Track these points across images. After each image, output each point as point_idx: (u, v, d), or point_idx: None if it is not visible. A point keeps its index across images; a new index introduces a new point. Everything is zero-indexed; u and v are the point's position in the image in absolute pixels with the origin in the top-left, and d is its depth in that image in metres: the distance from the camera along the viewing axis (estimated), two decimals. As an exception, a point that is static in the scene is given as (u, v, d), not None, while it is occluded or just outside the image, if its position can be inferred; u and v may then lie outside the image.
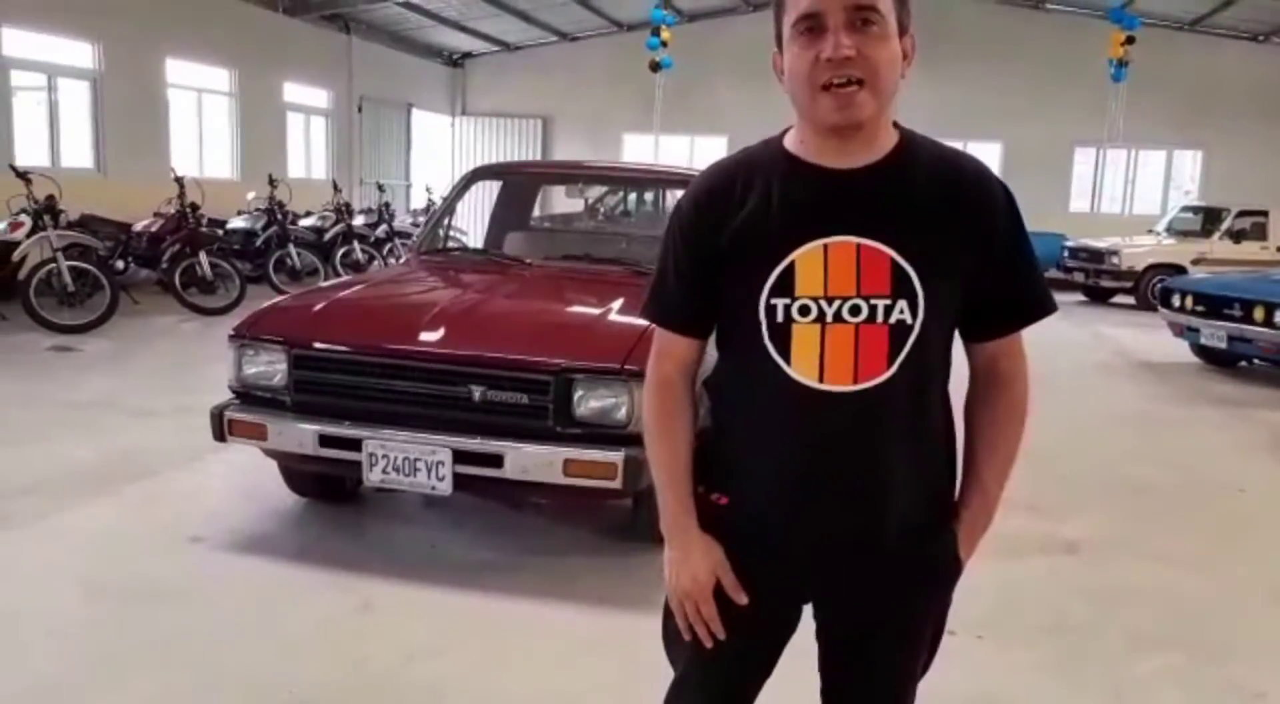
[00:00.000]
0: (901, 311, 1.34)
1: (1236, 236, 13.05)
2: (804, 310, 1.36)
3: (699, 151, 18.91)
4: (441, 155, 19.81)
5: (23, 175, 8.15)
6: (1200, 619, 3.42)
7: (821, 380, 1.36)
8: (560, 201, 10.82)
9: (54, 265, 8.08)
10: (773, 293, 1.36)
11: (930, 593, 1.51)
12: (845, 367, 1.35)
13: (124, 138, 11.34)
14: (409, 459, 3.36)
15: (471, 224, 9.50)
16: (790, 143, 1.44)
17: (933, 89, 17.47)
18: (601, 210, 10.51)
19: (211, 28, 12.61)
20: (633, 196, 8.11)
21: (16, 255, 8.19)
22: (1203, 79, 16.55)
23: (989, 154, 17.82)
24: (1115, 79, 14.55)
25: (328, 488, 4.13)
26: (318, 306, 3.85)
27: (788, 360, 1.37)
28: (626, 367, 3.33)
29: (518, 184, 5.95)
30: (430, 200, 15.56)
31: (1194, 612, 3.49)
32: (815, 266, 1.35)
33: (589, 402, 3.36)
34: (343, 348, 3.57)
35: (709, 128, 18.66)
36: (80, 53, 10.97)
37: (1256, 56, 16.84)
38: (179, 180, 9.64)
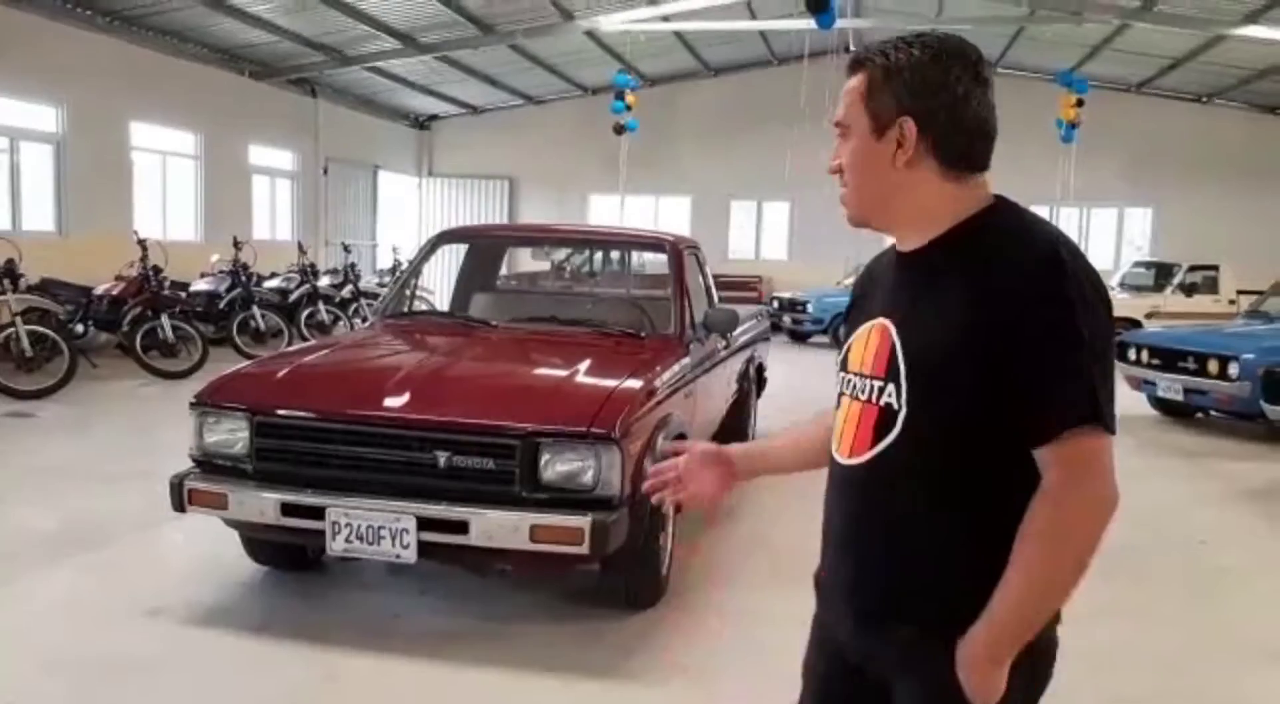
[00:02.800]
0: (889, 395, 1.35)
1: (1188, 290, 13.38)
2: (847, 384, 1.45)
3: (664, 211, 19.16)
4: (408, 216, 19.88)
5: (-19, 239, 8.08)
6: (1174, 676, 3.43)
7: (836, 450, 1.46)
8: (526, 261, 10.88)
9: (12, 330, 7.97)
10: (840, 367, 1.49)
11: (910, 691, 1.39)
12: (847, 439, 1.42)
13: (86, 200, 11.28)
14: (373, 527, 3.32)
15: (438, 284, 9.49)
16: None
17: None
18: (567, 269, 10.59)
19: (177, 92, 12.66)
20: (599, 256, 8.20)
21: (-28, 321, 8.07)
22: (1150, 139, 17.08)
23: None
24: (1065, 140, 14.97)
25: (290, 557, 4.05)
26: (281, 372, 3.82)
27: (833, 428, 1.49)
28: (593, 429, 3.33)
29: (484, 247, 5.99)
30: (397, 261, 15.55)
31: (1168, 668, 3.50)
32: (859, 345, 1.43)
33: (556, 465, 3.35)
34: (306, 414, 3.54)
35: (673, 188, 18.96)
36: (44, 116, 10.95)
37: (1201, 117, 17.42)
38: (142, 243, 9.59)
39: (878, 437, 1.36)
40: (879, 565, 1.40)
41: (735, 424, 6.18)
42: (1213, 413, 8.36)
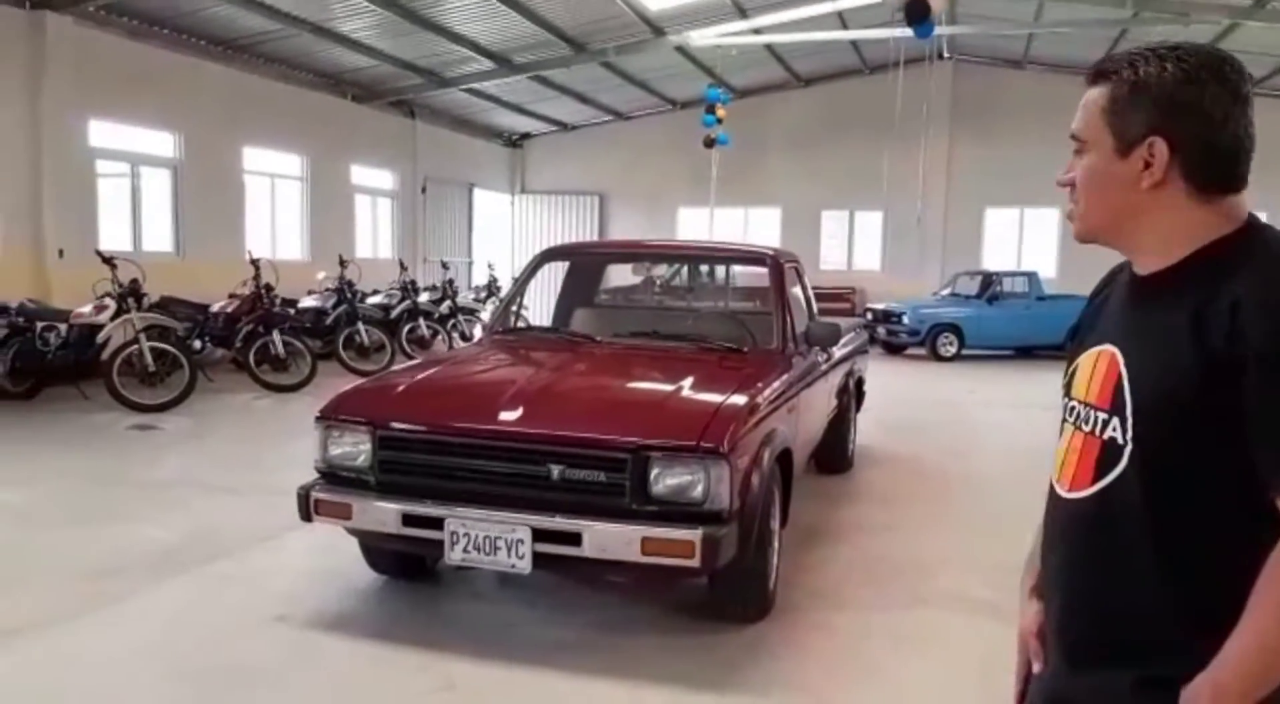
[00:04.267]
0: (1114, 429, 1.27)
1: None
2: (1071, 410, 1.38)
3: (753, 223, 19.12)
4: (501, 232, 20.27)
5: (108, 260, 8.53)
6: None
7: (1057, 480, 1.38)
8: (617, 276, 10.97)
9: (136, 347, 8.40)
10: (1064, 392, 1.42)
11: None
12: (1069, 472, 1.35)
13: (201, 222, 11.83)
14: (489, 538, 3.41)
15: (534, 302, 9.67)
16: None
17: (988, 157, 17.58)
18: (657, 284, 10.65)
19: (284, 116, 13.20)
20: (698, 270, 8.26)
21: (101, 337, 8.52)
22: (1266, 139, 16.31)
23: (1048, 220, 17.76)
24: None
25: (407, 566, 4.19)
26: (400, 388, 3.96)
27: (1054, 456, 1.42)
28: (702, 444, 3.37)
29: (585, 263, 6.09)
30: (492, 277, 15.88)
31: None
32: (1085, 371, 1.36)
33: (666, 479, 3.39)
34: (425, 428, 3.66)
35: (762, 200, 18.91)
36: (162, 142, 11.53)
37: None
38: (255, 262, 10.02)
39: (1100, 472, 1.28)
40: (1092, 606, 1.31)
41: (835, 438, 6.15)
42: None
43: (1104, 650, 1.30)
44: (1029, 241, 18.24)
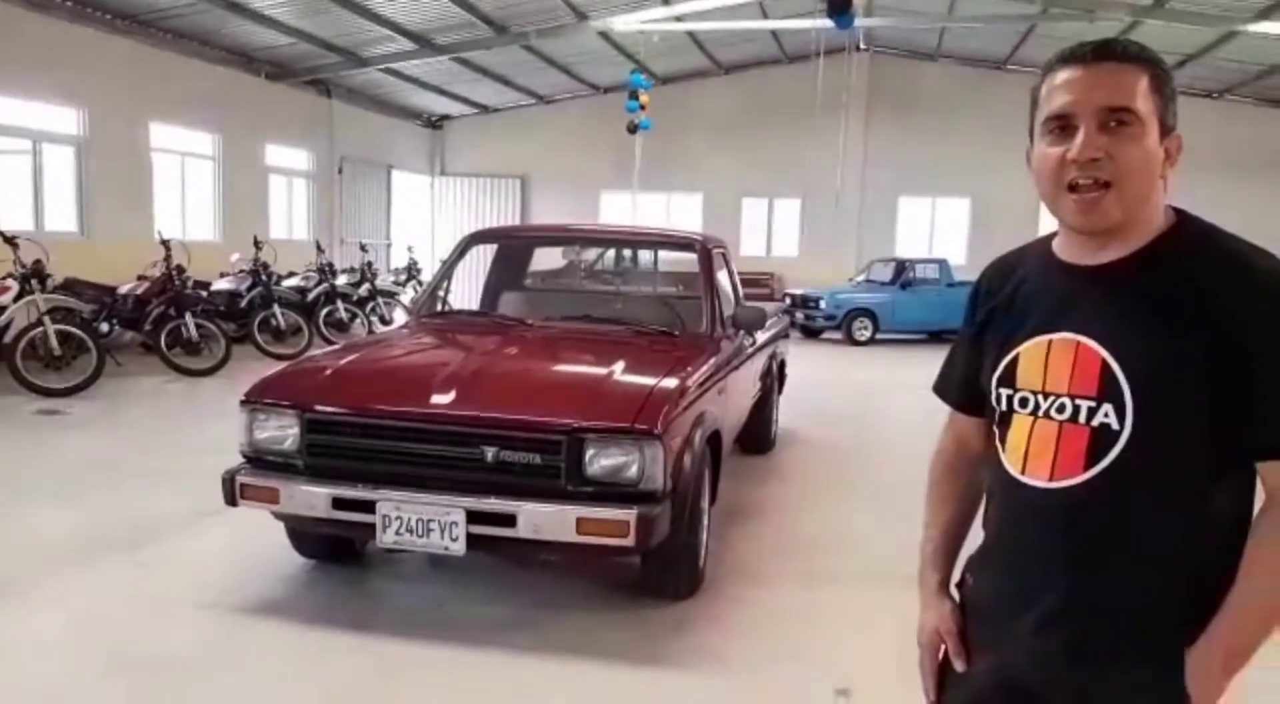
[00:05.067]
0: (1106, 415, 1.28)
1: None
2: (1023, 402, 1.37)
3: (675, 208, 19.24)
4: (421, 215, 19.98)
5: (10, 240, 8.18)
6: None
7: (1023, 472, 1.37)
8: (544, 260, 10.93)
9: (41, 329, 8.08)
10: (1000, 382, 1.41)
11: None
12: (1044, 462, 1.34)
13: (108, 201, 11.39)
14: (422, 520, 3.41)
15: (459, 285, 9.57)
16: (1056, 239, 1.44)
17: (902, 148, 18.02)
18: (583, 268, 10.65)
19: (195, 93, 12.77)
20: (625, 255, 8.28)
21: (2, 320, 8.17)
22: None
23: (958, 209, 18.29)
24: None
25: (334, 550, 4.15)
26: (329, 371, 3.91)
27: (1004, 448, 1.40)
28: (637, 425, 3.43)
29: (514, 246, 6.08)
30: (412, 259, 15.66)
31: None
32: (1037, 361, 1.36)
33: (600, 460, 3.43)
34: (356, 411, 3.63)
35: (685, 185, 19.05)
36: (65, 118, 11.06)
37: (1213, 112, 17.43)
38: (165, 243, 9.70)
39: (1092, 458, 1.29)
40: (1108, 591, 1.32)
41: (759, 420, 6.27)
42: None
43: (1120, 637, 1.32)
44: (939, 229, 18.77)
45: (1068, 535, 1.33)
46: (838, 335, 15.02)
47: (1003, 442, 1.41)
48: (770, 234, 19.66)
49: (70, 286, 9.31)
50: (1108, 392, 1.29)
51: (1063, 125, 1.31)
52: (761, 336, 5.85)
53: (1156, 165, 1.30)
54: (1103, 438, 1.29)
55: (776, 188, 18.87)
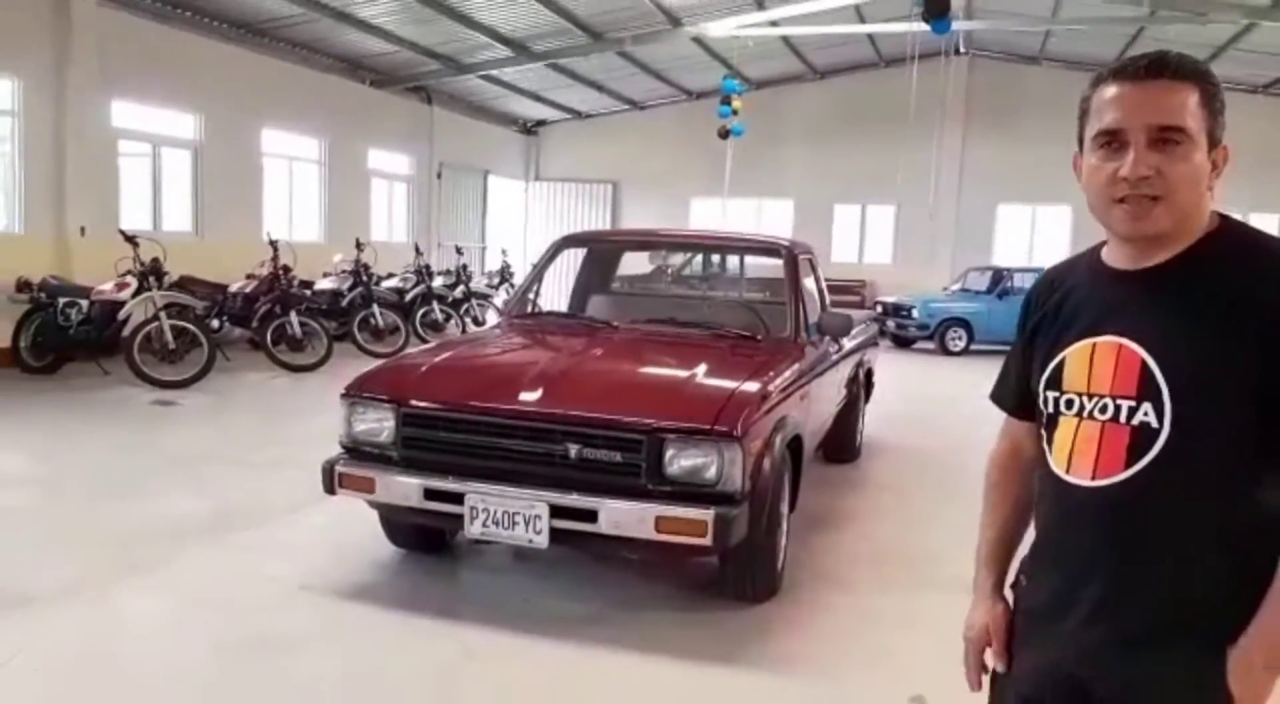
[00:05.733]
0: (1146, 414, 1.33)
1: None
2: (1069, 404, 1.42)
3: (766, 214, 19.19)
4: (515, 219, 20.38)
5: (130, 239, 8.68)
6: None
7: (1068, 472, 1.42)
8: (631, 264, 11.08)
9: (157, 324, 8.53)
10: (1047, 385, 1.46)
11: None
12: (1087, 462, 1.39)
13: (220, 203, 11.96)
14: (508, 513, 3.53)
15: (549, 288, 9.78)
16: (1105, 248, 1.49)
17: (1002, 153, 17.61)
18: (669, 273, 10.75)
19: (303, 100, 13.31)
20: (712, 260, 8.33)
21: (122, 314, 8.66)
22: (1278, 141, 16.38)
23: (1060, 216, 17.79)
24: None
25: (425, 540, 4.31)
26: (424, 367, 4.08)
27: (1050, 449, 1.45)
28: (716, 427, 3.48)
29: (603, 250, 6.20)
30: (505, 263, 15.99)
31: None
32: (1082, 363, 1.41)
33: (680, 461, 3.50)
34: (448, 406, 3.78)
35: (775, 191, 18.98)
36: (183, 124, 11.65)
37: (1254, 107, 16.50)
38: (273, 243, 10.16)
39: (1133, 456, 1.34)
40: (1149, 586, 1.36)
41: (844, 428, 6.26)
42: None
43: (1164, 627, 1.36)
44: (1040, 238, 18.28)
45: (1111, 532, 1.38)
46: (931, 345, 14.76)
47: (1050, 443, 1.46)
48: (863, 241, 19.43)
49: (184, 284, 9.80)
50: (1147, 391, 1.33)
51: (1113, 140, 1.35)
52: (848, 344, 5.83)
53: (1204, 178, 1.35)
54: (1143, 436, 1.33)
55: (870, 194, 18.63)
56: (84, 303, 8.71)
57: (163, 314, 8.59)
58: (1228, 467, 1.31)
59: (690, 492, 3.49)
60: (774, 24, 14.37)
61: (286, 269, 10.08)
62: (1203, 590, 1.34)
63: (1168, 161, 1.32)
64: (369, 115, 14.94)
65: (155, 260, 8.76)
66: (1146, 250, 1.39)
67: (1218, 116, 1.35)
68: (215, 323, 10.14)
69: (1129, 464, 1.35)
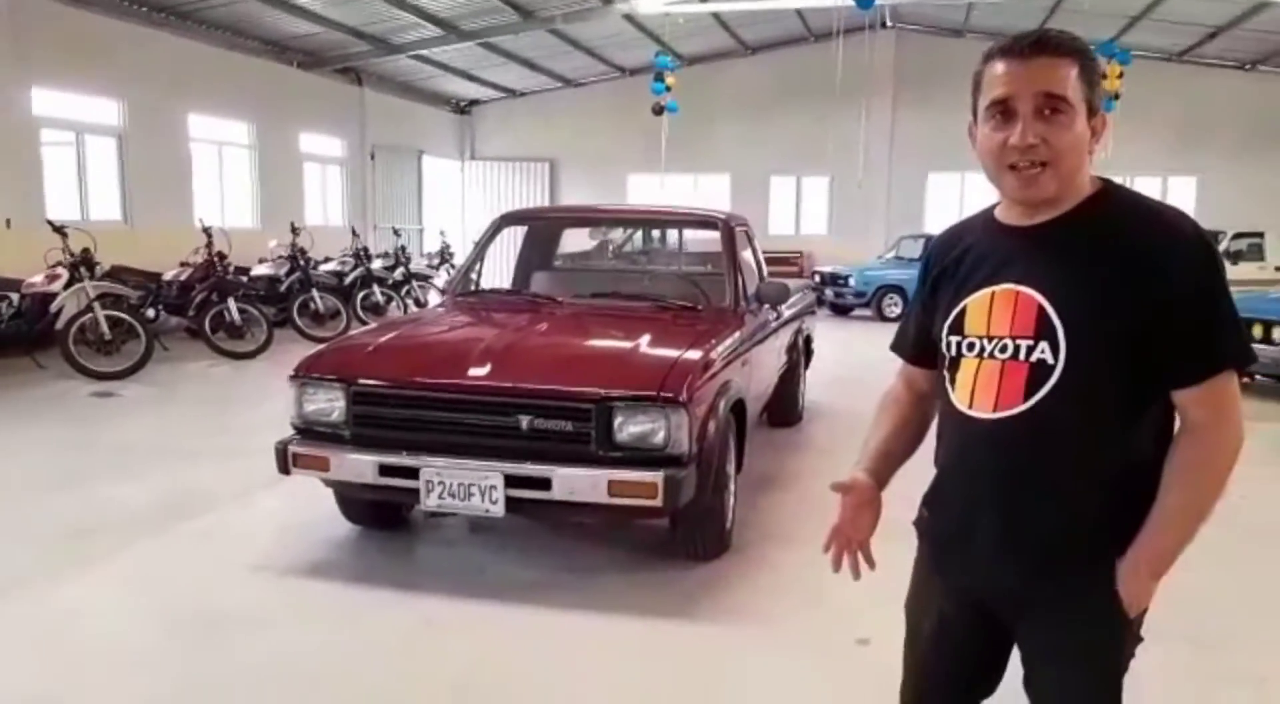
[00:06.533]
0: (1043, 352, 1.48)
1: (1234, 258, 13.39)
2: (970, 346, 1.57)
3: (703, 189, 19.34)
4: (451, 199, 20.25)
5: (59, 229, 8.48)
6: (1203, 612, 3.64)
7: (970, 407, 1.55)
8: (572, 241, 11.15)
9: (91, 315, 8.38)
10: (950, 331, 1.60)
11: (1076, 623, 1.55)
12: (989, 396, 1.53)
13: (149, 190, 11.73)
14: (463, 485, 3.62)
15: (490, 266, 9.80)
16: (999, 207, 1.64)
17: (931, 124, 17.96)
18: (611, 248, 10.87)
19: (231, 84, 13.07)
20: (652, 235, 8.45)
21: (55, 306, 8.48)
22: (1194, 107, 16.99)
23: (987, 183, 18.19)
24: (1106, 111, 14.91)
25: (381, 516, 4.38)
26: (371, 347, 4.13)
27: (953, 388, 1.60)
28: (662, 394, 3.61)
29: (543, 228, 6.27)
30: (444, 243, 15.92)
31: (1196, 605, 3.71)
32: (981, 310, 1.56)
33: (629, 427, 3.62)
34: (397, 384, 3.85)
35: (712, 166, 19.13)
36: (106, 110, 11.38)
37: (1244, 83, 17.27)
38: (207, 230, 10.01)
39: (1031, 389, 1.49)
40: (1047, 509, 1.52)
41: (786, 393, 6.44)
42: (1259, 377, 8.46)
43: (1062, 546, 1.53)
44: (970, 204, 18.68)
45: (1009, 460, 1.53)
46: (868, 312, 15.08)
47: (953, 383, 1.60)
48: (799, 213, 19.71)
49: (116, 274, 9.63)
50: (1043, 331, 1.48)
51: (1003, 111, 1.49)
52: (787, 312, 6.00)
53: (1085, 144, 1.50)
54: (1039, 371, 1.49)
55: (804, 167, 18.90)
56: (14, 297, 8.50)
57: (96, 305, 8.44)
58: (1113, 398, 1.47)
59: (640, 456, 3.61)
60: (702, 0, 14.44)
61: (222, 256, 9.95)
62: (1093, 512, 1.51)
63: (1052, 131, 1.46)
64: (299, 98, 14.72)
65: (86, 251, 8.58)
66: (1036, 209, 1.54)
67: (1095, 88, 1.50)
68: (151, 312, 9.97)
69: (1027, 396, 1.49)
